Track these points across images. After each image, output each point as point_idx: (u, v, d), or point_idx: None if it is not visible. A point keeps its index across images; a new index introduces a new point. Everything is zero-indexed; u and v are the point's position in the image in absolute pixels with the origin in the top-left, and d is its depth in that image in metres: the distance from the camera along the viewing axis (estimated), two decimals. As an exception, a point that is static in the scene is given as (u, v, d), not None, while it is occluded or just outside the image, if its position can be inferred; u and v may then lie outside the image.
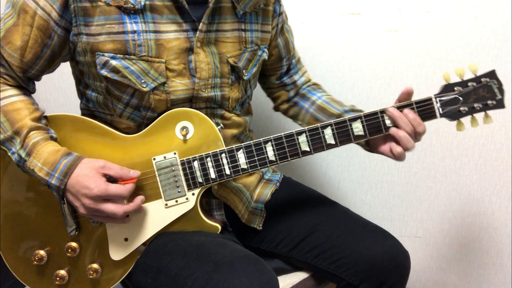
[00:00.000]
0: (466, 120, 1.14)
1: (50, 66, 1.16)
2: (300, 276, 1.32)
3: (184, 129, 1.13)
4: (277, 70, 1.41)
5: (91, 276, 1.15)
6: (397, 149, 1.13)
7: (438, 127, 1.65)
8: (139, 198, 1.09)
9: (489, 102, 1.12)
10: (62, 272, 1.16)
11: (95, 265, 1.15)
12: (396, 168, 1.76)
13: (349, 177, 1.84)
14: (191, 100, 1.17)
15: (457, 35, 1.56)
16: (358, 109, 1.34)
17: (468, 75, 1.11)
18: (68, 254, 1.15)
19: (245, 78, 1.24)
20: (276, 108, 1.51)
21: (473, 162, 1.66)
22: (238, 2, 1.19)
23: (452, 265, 1.79)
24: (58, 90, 1.94)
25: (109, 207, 1.04)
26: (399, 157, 1.15)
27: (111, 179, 1.06)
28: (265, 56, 1.30)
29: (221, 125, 1.19)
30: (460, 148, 1.66)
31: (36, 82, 1.20)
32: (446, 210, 1.74)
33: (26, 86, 1.17)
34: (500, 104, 1.13)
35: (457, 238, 1.76)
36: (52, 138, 1.10)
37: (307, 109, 1.40)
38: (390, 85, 1.68)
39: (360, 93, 1.72)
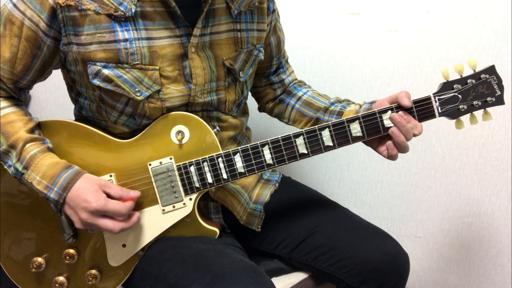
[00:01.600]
0: (465, 118, 1.13)
1: (41, 75, 1.14)
2: (299, 276, 1.32)
3: (180, 134, 1.12)
4: (266, 69, 1.38)
5: (90, 282, 1.15)
6: (394, 152, 1.12)
7: (438, 127, 1.65)
8: (135, 216, 1.08)
9: (489, 99, 1.10)
10: (61, 278, 1.16)
11: (93, 271, 1.15)
12: (396, 168, 1.75)
13: (349, 177, 1.83)
14: (187, 105, 1.16)
15: (457, 35, 1.55)
16: (343, 99, 1.33)
17: (467, 71, 1.10)
18: (66, 261, 1.15)
19: (241, 80, 1.22)
20: (262, 108, 1.49)
21: (473, 162, 1.66)
22: (232, 2, 1.17)
23: (452, 265, 1.79)
24: (58, 90, 1.94)
25: (107, 223, 1.03)
26: (392, 158, 1.14)
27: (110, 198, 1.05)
28: (261, 56, 1.28)
29: (217, 127, 1.18)
30: (460, 148, 1.66)
31: (34, 84, 1.18)
32: (446, 210, 1.74)
33: (17, 96, 1.16)
34: (499, 101, 1.11)
35: (457, 238, 1.76)
36: (49, 149, 1.10)
37: (293, 105, 1.38)
38: (390, 85, 1.67)
39: (360, 93, 1.72)
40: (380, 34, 1.64)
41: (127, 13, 1.04)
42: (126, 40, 1.05)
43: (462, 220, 1.73)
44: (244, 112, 1.38)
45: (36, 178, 1.04)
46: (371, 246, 1.20)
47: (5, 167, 1.08)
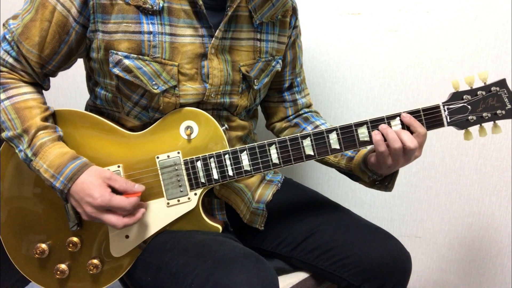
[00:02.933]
0: (474, 129, 1.13)
1: (67, 62, 1.16)
2: (300, 276, 1.31)
3: (189, 129, 1.13)
4: (279, 84, 1.39)
5: (91, 272, 1.15)
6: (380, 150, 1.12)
7: (438, 127, 1.66)
8: (140, 212, 1.08)
9: (499, 111, 1.10)
10: (63, 266, 1.16)
11: (95, 261, 1.15)
12: (396, 168, 1.76)
13: (349, 177, 1.83)
14: (199, 103, 1.17)
15: (457, 35, 1.57)
16: None
17: (478, 83, 1.10)
18: (69, 249, 1.15)
19: (255, 87, 1.24)
20: (270, 126, 1.48)
21: (473, 162, 1.67)
22: (255, 12, 1.20)
23: (452, 265, 1.80)
24: (58, 90, 1.94)
25: (110, 218, 1.03)
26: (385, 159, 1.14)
27: (115, 191, 1.06)
28: (278, 67, 1.30)
29: (226, 125, 1.19)
30: (460, 148, 1.67)
31: (58, 71, 1.19)
32: (446, 210, 1.75)
33: (41, 82, 1.17)
34: (509, 114, 1.11)
35: (457, 238, 1.76)
36: (60, 138, 1.10)
37: None
38: (390, 85, 1.68)
39: (360, 93, 1.73)
40: (380, 34, 1.65)
41: (155, 7, 1.08)
42: (150, 32, 1.08)
43: (462, 220, 1.74)
44: (254, 116, 1.40)
45: (43, 166, 1.05)
46: (373, 245, 1.20)
47: (16, 151, 1.09)
